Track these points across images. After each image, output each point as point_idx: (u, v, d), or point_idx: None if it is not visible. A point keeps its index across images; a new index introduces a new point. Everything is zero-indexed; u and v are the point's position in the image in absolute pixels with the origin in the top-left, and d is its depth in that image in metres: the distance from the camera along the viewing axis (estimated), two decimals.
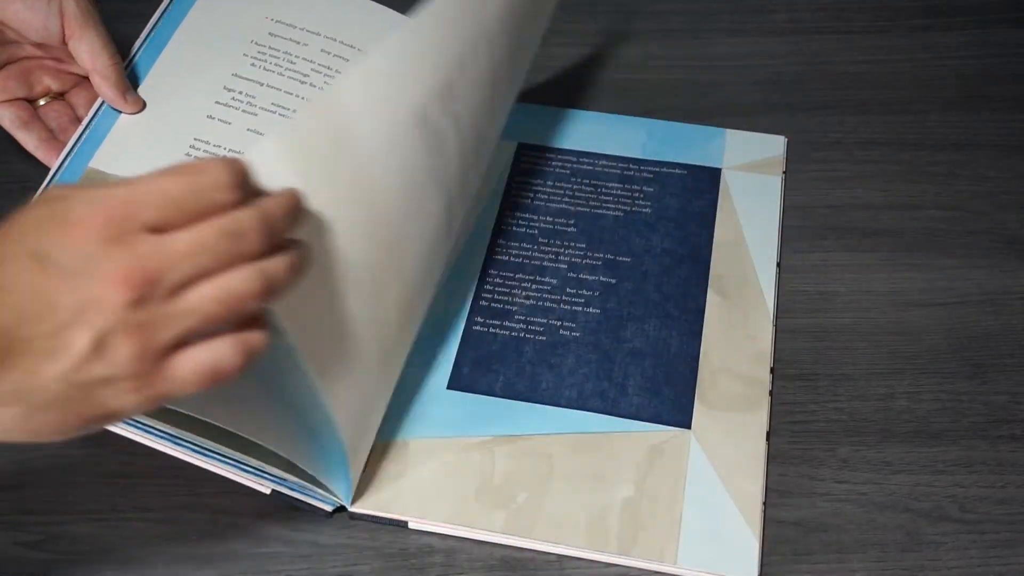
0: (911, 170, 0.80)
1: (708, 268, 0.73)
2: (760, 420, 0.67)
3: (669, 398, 0.67)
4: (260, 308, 0.46)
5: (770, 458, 0.66)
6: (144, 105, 0.71)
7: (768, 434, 0.66)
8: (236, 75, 0.74)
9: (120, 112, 0.70)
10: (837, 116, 0.83)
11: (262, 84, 0.74)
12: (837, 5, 0.90)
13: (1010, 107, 0.83)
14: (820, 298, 0.73)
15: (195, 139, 0.71)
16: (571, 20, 0.90)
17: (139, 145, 0.70)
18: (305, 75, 0.74)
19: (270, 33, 0.76)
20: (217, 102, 0.72)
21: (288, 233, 0.46)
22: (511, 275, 0.73)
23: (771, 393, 0.68)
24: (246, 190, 0.45)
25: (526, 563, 0.62)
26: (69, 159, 0.68)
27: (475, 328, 0.70)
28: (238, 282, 0.44)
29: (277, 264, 0.45)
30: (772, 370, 0.69)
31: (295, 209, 0.47)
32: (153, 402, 0.45)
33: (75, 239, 0.42)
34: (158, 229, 0.43)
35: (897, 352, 0.70)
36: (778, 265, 0.74)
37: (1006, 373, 0.69)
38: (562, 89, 0.84)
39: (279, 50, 0.75)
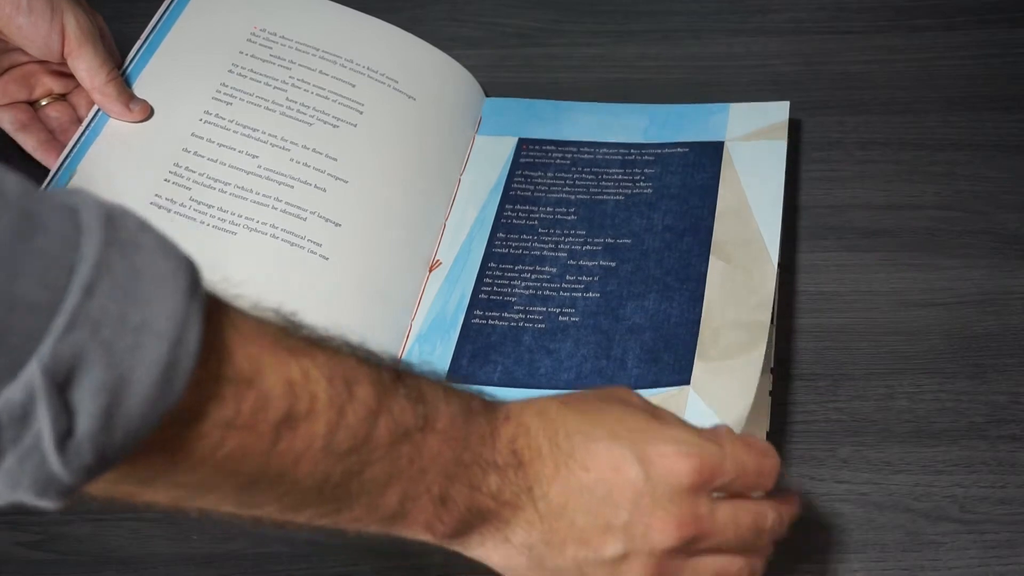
0: (911, 170, 0.80)
1: (710, 237, 0.72)
2: (760, 420, 0.67)
3: (668, 363, 0.67)
4: None
5: None
6: (151, 110, 0.70)
7: (768, 434, 0.66)
8: (223, 84, 0.73)
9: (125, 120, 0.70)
10: (837, 116, 0.83)
11: (250, 94, 0.73)
12: (837, 5, 0.90)
13: (1010, 107, 0.83)
14: (820, 298, 0.73)
15: (191, 136, 0.71)
16: (571, 20, 0.90)
17: (127, 148, 0.70)
18: (289, 85, 0.75)
19: (257, 43, 0.76)
20: (205, 111, 0.72)
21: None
22: (510, 267, 0.73)
23: (771, 393, 0.68)
24: (775, 482, 0.51)
25: None
26: (68, 161, 0.68)
27: (474, 321, 0.70)
28: (733, 569, 0.50)
29: (760, 564, 0.51)
30: (772, 370, 0.69)
31: (789, 520, 0.53)
32: None
33: (663, 469, 0.47)
34: (718, 490, 0.49)
35: (897, 352, 0.70)
36: (778, 265, 0.74)
37: (1006, 373, 0.69)
38: (562, 89, 0.84)
39: (264, 60, 0.75)
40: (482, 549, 0.48)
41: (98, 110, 0.70)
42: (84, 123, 0.70)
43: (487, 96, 0.83)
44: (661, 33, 0.89)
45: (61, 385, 0.33)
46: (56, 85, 0.73)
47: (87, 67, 0.69)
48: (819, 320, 0.72)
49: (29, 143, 0.72)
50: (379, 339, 0.62)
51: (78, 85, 0.73)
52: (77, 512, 0.64)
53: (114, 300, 0.34)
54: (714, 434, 0.50)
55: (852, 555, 0.62)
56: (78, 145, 0.69)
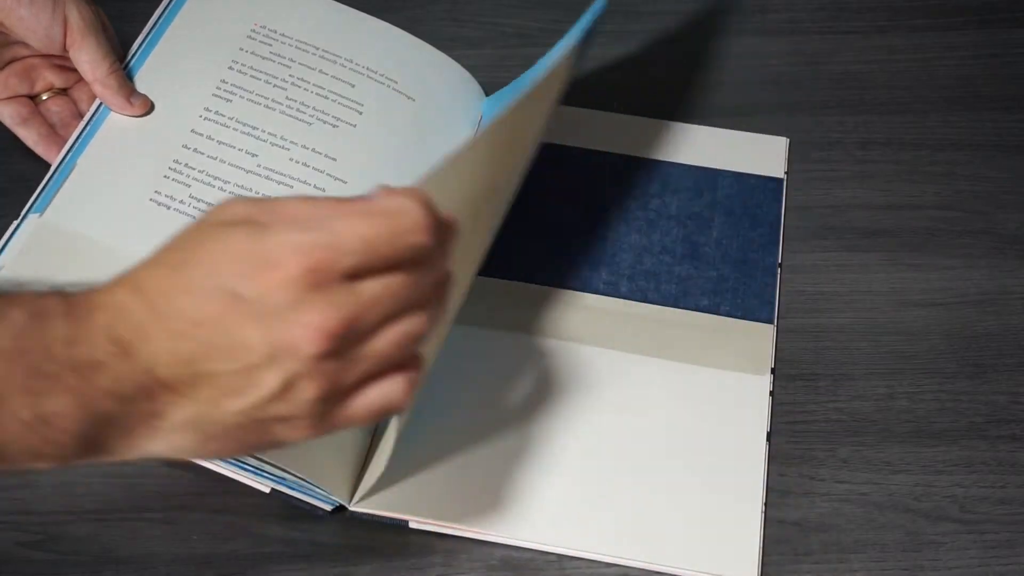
0: (911, 170, 0.80)
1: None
2: (760, 420, 0.67)
3: None
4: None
5: (770, 458, 0.66)
6: (152, 105, 0.70)
7: (768, 434, 0.66)
8: (223, 80, 0.73)
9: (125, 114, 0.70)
10: (837, 116, 0.83)
11: (250, 91, 0.73)
12: (837, 5, 0.90)
13: (1010, 107, 0.83)
14: (820, 298, 0.73)
15: (191, 132, 0.71)
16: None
17: (128, 144, 0.70)
18: (289, 83, 0.75)
19: (257, 40, 0.76)
20: (206, 108, 0.72)
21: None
22: None
23: (771, 393, 0.68)
24: (436, 230, 0.45)
25: (526, 563, 0.62)
26: (68, 155, 0.68)
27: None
28: (414, 326, 0.45)
29: (440, 304, 0.47)
30: (773, 370, 0.69)
31: (456, 244, 0.47)
32: (320, 435, 0.46)
33: (273, 283, 0.42)
34: (353, 275, 0.43)
35: (897, 352, 0.70)
36: (779, 265, 0.74)
37: (1006, 373, 0.69)
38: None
39: (264, 57, 0.75)
40: (138, 449, 0.45)
41: (99, 105, 0.70)
42: (85, 118, 0.70)
43: (487, 96, 0.83)
44: (661, 33, 0.89)
45: None
46: (57, 79, 0.73)
47: (89, 58, 0.69)
48: (819, 320, 0.72)
49: (30, 137, 0.72)
50: None
51: (79, 80, 0.73)
52: (77, 512, 0.64)
53: None
54: (327, 216, 0.44)
55: (852, 555, 0.62)
56: (79, 140, 0.69)
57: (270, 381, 0.43)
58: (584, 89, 0.84)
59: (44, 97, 0.74)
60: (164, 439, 0.45)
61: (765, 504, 0.64)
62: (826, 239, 0.76)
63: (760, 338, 0.70)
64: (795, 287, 0.73)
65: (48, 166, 0.69)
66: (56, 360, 0.42)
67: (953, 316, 0.72)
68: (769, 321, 0.71)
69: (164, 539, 0.63)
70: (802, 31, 0.89)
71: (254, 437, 0.45)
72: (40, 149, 0.72)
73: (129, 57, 0.72)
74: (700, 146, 0.80)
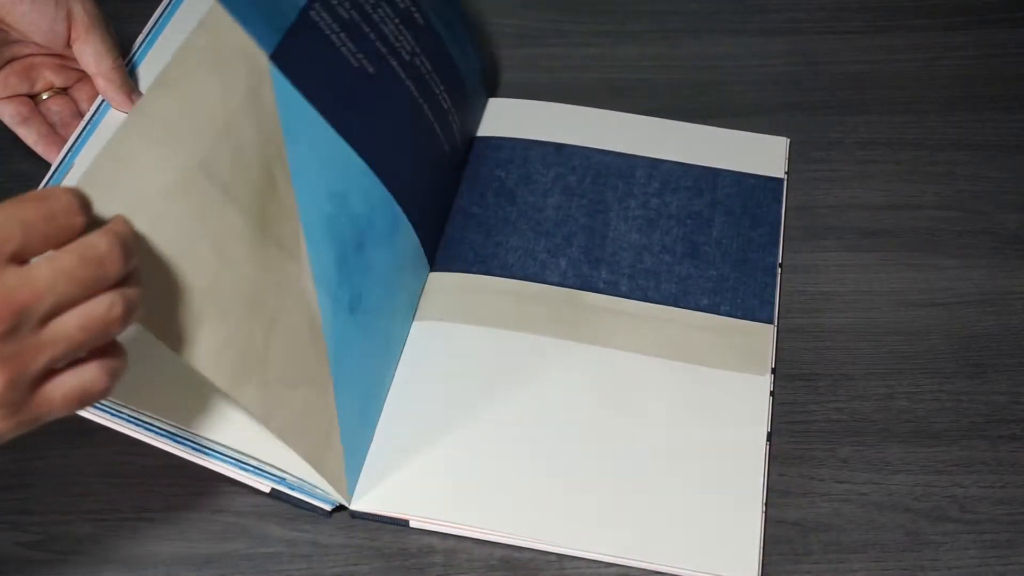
0: (911, 170, 0.80)
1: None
2: (760, 420, 0.67)
3: None
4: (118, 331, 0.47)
5: (770, 458, 0.66)
6: None
7: (768, 434, 0.66)
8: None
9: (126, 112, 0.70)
10: (837, 116, 0.83)
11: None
12: (837, 5, 0.90)
13: (1010, 107, 0.83)
14: (820, 298, 0.73)
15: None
16: (571, 20, 0.90)
17: None
18: None
19: None
20: None
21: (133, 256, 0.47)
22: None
23: (772, 393, 0.68)
24: (90, 214, 0.46)
25: (526, 563, 0.62)
26: (69, 155, 0.68)
27: None
28: (102, 309, 0.45)
29: (134, 289, 0.47)
30: (773, 370, 0.69)
31: (134, 233, 0.48)
32: (26, 426, 0.46)
33: None
34: (19, 258, 0.44)
35: (897, 352, 0.70)
36: (779, 265, 0.74)
37: (1006, 373, 0.69)
38: (562, 89, 0.84)
39: None
40: None
41: (99, 105, 0.70)
42: (86, 117, 0.70)
43: (487, 96, 0.83)
44: (661, 33, 0.89)
45: None
46: (57, 79, 0.73)
47: (94, 52, 0.68)
48: (819, 320, 0.72)
49: (30, 137, 0.72)
50: None
51: (79, 79, 0.73)
52: (77, 512, 0.64)
53: None
54: None
55: (852, 555, 0.62)
56: (79, 140, 0.69)
57: None
58: (584, 88, 0.84)
59: (44, 96, 0.73)
60: None
61: (765, 504, 0.64)
62: (826, 239, 0.76)
63: (760, 338, 0.70)
64: (795, 287, 0.74)
65: (48, 165, 0.69)
66: None
67: (953, 316, 0.72)
68: (769, 321, 0.71)
69: (164, 539, 0.63)
70: (802, 31, 0.89)
71: None
72: (40, 148, 0.72)
73: (129, 57, 0.72)
74: (700, 145, 0.80)
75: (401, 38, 0.68)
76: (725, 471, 0.65)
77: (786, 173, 0.79)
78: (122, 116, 0.69)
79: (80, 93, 0.74)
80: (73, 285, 0.45)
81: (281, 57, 0.60)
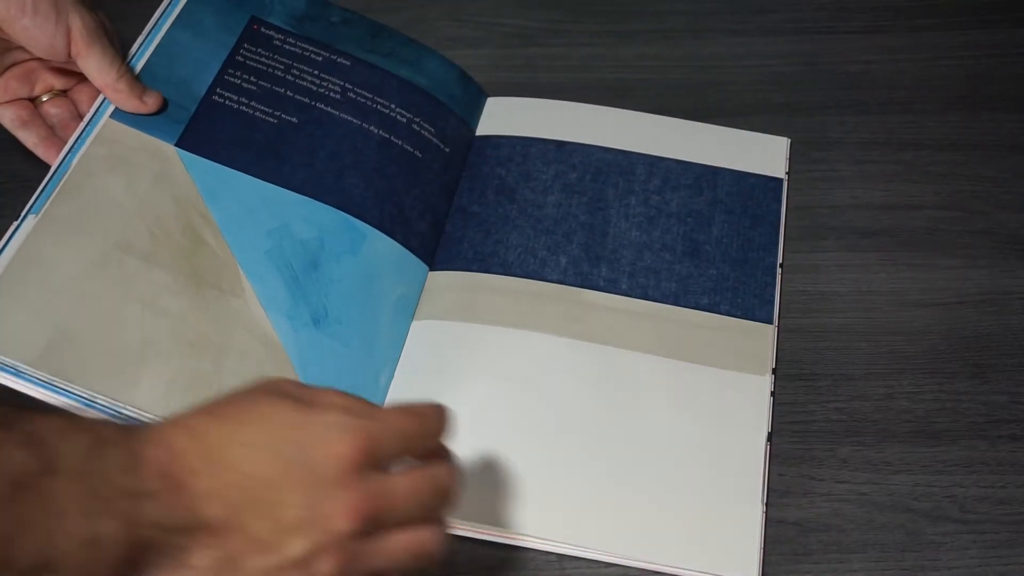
0: (911, 170, 0.80)
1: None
2: (760, 420, 0.67)
3: None
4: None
5: (770, 458, 0.66)
6: (164, 100, 0.70)
7: (768, 434, 0.66)
8: (229, 72, 0.74)
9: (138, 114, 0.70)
10: (837, 116, 0.83)
11: (253, 81, 0.74)
12: (837, 5, 0.90)
13: (1010, 107, 0.83)
14: (820, 298, 0.73)
15: None
16: (571, 20, 0.90)
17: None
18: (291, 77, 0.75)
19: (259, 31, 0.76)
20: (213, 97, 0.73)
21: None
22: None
23: (772, 393, 0.68)
24: (446, 440, 0.51)
25: (526, 563, 0.62)
26: (68, 156, 0.68)
27: None
28: (429, 541, 0.49)
29: (444, 527, 0.51)
30: (773, 370, 0.69)
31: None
32: None
33: (326, 457, 0.46)
34: (386, 465, 0.48)
35: (897, 352, 0.70)
36: (779, 265, 0.74)
37: (1006, 373, 0.69)
38: (562, 89, 0.84)
39: (263, 55, 0.75)
40: None
41: (98, 106, 0.70)
42: (85, 119, 0.70)
43: (487, 96, 0.83)
44: (661, 33, 0.89)
45: None
46: (57, 81, 0.73)
47: (97, 66, 0.69)
48: (819, 320, 0.72)
49: (30, 140, 0.72)
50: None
51: (79, 81, 0.73)
52: None
53: None
54: (371, 408, 0.49)
55: (852, 555, 0.62)
56: (78, 141, 0.69)
57: (297, 547, 0.46)
58: (584, 88, 0.84)
59: (44, 99, 0.73)
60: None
61: (765, 504, 0.64)
62: (826, 239, 0.76)
63: (760, 338, 0.70)
64: (795, 287, 0.74)
65: (48, 167, 0.69)
66: (112, 485, 0.44)
67: (953, 316, 0.72)
68: (768, 321, 0.71)
69: None
70: (802, 31, 0.89)
71: None
72: (40, 151, 0.72)
73: (129, 57, 0.72)
74: (701, 143, 0.80)
75: (326, 83, 0.76)
76: (725, 471, 0.65)
77: (787, 173, 0.79)
78: (117, 125, 0.69)
79: (80, 95, 0.74)
80: (419, 509, 0.49)
81: (187, 141, 0.70)
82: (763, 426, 0.66)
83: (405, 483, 0.48)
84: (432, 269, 0.73)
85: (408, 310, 0.71)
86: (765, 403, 0.67)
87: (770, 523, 0.63)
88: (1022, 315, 0.72)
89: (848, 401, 0.68)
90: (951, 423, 0.67)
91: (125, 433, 0.45)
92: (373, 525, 0.47)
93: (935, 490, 0.65)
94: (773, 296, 0.72)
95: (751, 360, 0.69)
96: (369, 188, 0.73)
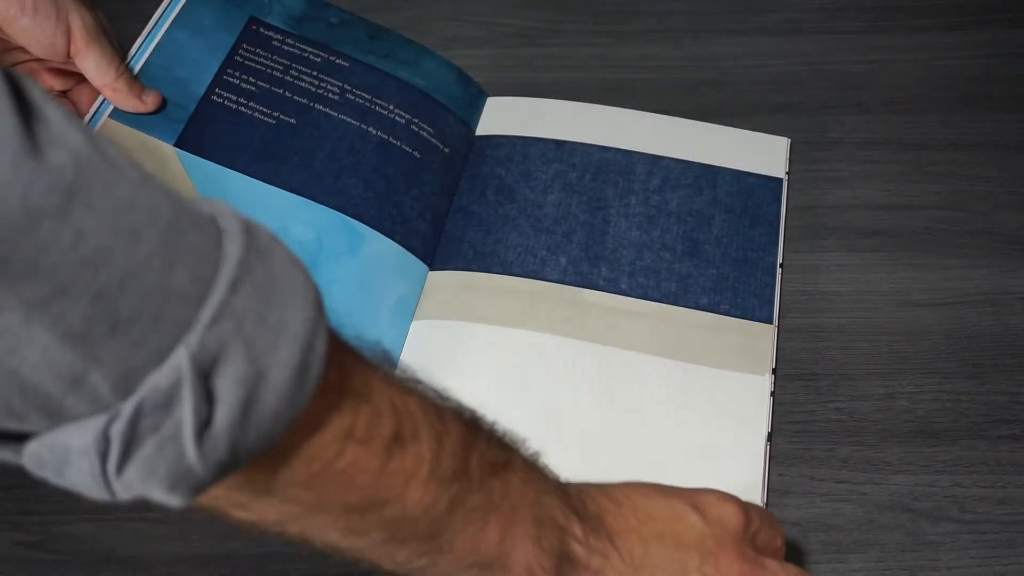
0: (911, 170, 0.80)
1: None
2: (760, 420, 0.67)
3: None
4: None
5: (770, 458, 0.66)
6: (163, 99, 0.71)
7: (768, 434, 0.66)
8: (228, 72, 0.74)
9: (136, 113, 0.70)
10: (837, 116, 0.83)
11: (252, 81, 0.74)
12: (837, 5, 0.90)
13: (1010, 107, 0.83)
14: (820, 298, 0.73)
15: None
16: (571, 20, 0.90)
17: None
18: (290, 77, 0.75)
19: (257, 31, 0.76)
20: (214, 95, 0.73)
21: None
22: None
23: (772, 393, 0.68)
24: None
25: None
26: None
27: None
28: None
29: None
30: (773, 370, 0.69)
31: None
32: None
33: (717, 514, 0.53)
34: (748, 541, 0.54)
35: (897, 352, 0.70)
36: (780, 265, 0.74)
37: (1006, 373, 0.69)
38: (562, 89, 0.84)
39: (261, 54, 0.75)
40: None
41: (99, 107, 0.70)
42: (85, 120, 0.70)
43: (487, 96, 0.83)
44: (661, 33, 0.89)
45: (205, 374, 0.34)
46: (57, 83, 0.73)
47: (96, 66, 0.69)
48: (819, 320, 0.72)
49: None
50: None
51: (79, 82, 0.73)
52: (77, 512, 0.64)
53: (255, 299, 0.35)
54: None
55: (852, 555, 0.62)
56: None
57: None
58: (584, 88, 0.84)
59: None
60: None
61: (765, 504, 0.64)
62: (826, 239, 0.76)
63: (760, 338, 0.70)
64: (795, 287, 0.73)
65: None
66: (552, 496, 0.49)
67: (953, 316, 0.72)
68: (768, 321, 0.71)
69: (164, 539, 0.63)
70: (802, 31, 0.89)
71: None
72: None
73: (129, 57, 0.72)
74: (701, 143, 0.80)
75: (324, 84, 0.75)
76: (725, 471, 0.65)
77: (787, 173, 0.79)
78: (116, 124, 0.69)
79: (80, 96, 0.74)
80: None
81: (186, 141, 0.70)
82: (763, 426, 0.66)
83: (777, 564, 0.54)
84: (432, 269, 0.73)
85: (408, 310, 0.71)
86: (765, 403, 0.67)
87: None
88: (1022, 315, 0.72)
89: (848, 401, 0.68)
90: (951, 423, 0.67)
91: (567, 502, 0.50)
92: None
93: (935, 490, 0.65)
94: (773, 296, 0.72)
95: (751, 360, 0.69)
96: (368, 189, 0.73)
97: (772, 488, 0.65)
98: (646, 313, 0.71)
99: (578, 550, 0.48)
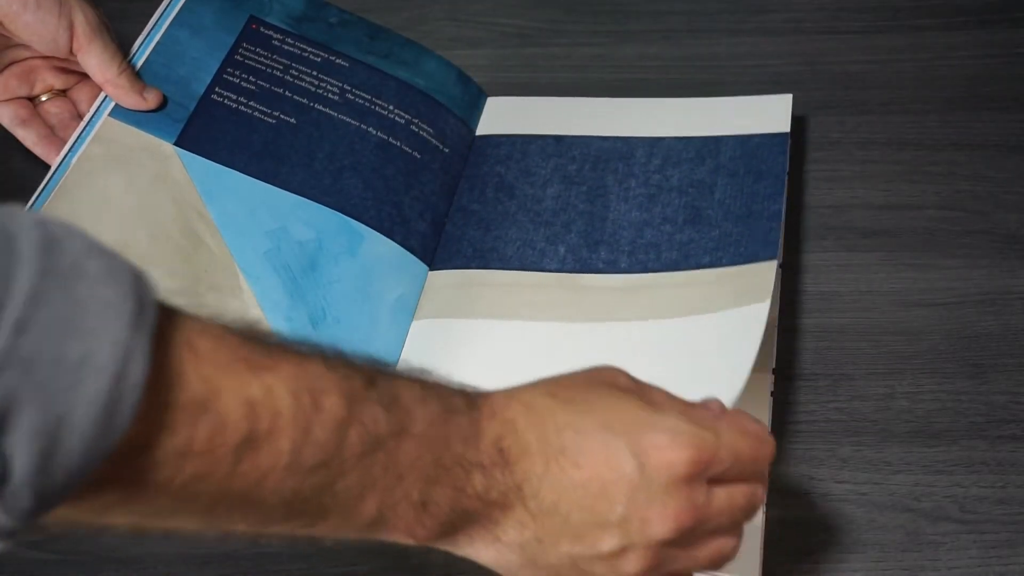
0: (911, 170, 0.80)
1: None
2: (761, 420, 0.67)
3: None
4: None
5: None
6: (164, 97, 0.70)
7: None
8: (228, 71, 0.74)
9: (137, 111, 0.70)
10: (837, 116, 0.83)
11: (252, 80, 0.74)
12: (837, 5, 0.90)
13: (1010, 107, 0.83)
14: (820, 298, 0.73)
15: None
16: (571, 20, 0.90)
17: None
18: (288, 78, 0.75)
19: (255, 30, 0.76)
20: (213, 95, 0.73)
21: None
22: None
23: (772, 393, 0.68)
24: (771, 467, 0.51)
25: None
26: (68, 156, 0.68)
27: None
28: (728, 548, 0.49)
29: (738, 540, 0.50)
30: (773, 371, 0.69)
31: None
32: None
33: (657, 461, 0.46)
34: (711, 480, 0.47)
35: (897, 352, 0.70)
36: (780, 265, 0.74)
37: (1006, 373, 0.69)
38: (562, 89, 0.84)
39: (261, 53, 0.75)
40: (471, 548, 0.47)
41: (99, 106, 0.70)
42: (85, 119, 0.69)
43: (487, 96, 0.83)
44: (661, 33, 0.89)
45: None
46: (56, 81, 0.73)
47: (98, 61, 0.69)
48: (819, 320, 0.72)
49: (29, 138, 0.72)
50: None
51: (79, 81, 0.73)
52: None
53: (50, 336, 0.32)
54: (709, 418, 0.48)
55: (852, 555, 0.62)
56: (78, 141, 0.69)
57: (610, 542, 0.46)
58: (584, 88, 0.84)
59: (43, 99, 0.73)
60: (495, 551, 0.47)
61: (765, 504, 0.64)
62: (826, 239, 0.76)
63: (763, 273, 0.67)
64: (795, 287, 0.73)
65: (47, 168, 0.69)
66: (452, 453, 0.44)
67: (953, 316, 0.72)
68: (772, 257, 0.68)
69: (164, 539, 0.63)
70: (802, 31, 0.89)
71: None
72: (39, 150, 0.72)
73: (129, 56, 0.72)
74: (701, 117, 0.78)
75: (324, 84, 0.75)
76: None
77: (790, 133, 0.76)
78: (116, 123, 0.69)
79: (79, 95, 0.74)
80: (728, 525, 0.49)
81: (186, 140, 0.70)
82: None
83: (724, 499, 0.48)
84: (432, 269, 0.73)
85: (408, 310, 0.71)
86: (765, 403, 0.67)
87: (770, 523, 0.63)
88: (1022, 315, 0.72)
89: (848, 401, 0.68)
90: (951, 423, 0.67)
91: (470, 402, 0.46)
92: (687, 535, 0.47)
93: (935, 490, 0.65)
94: (777, 237, 0.69)
95: (753, 294, 0.66)
96: (367, 189, 0.73)
97: (772, 488, 0.65)
98: (647, 284, 0.70)
99: (474, 504, 0.45)
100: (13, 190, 0.75)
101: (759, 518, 0.63)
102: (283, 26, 0.77)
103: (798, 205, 0.78)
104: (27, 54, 0.71)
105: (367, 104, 0.76)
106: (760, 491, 0.50)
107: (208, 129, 0.70)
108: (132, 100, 0.69)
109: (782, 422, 0.67)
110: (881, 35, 0.88)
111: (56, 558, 0.62)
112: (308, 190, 0.71)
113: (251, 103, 0.73)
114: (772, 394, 0.68)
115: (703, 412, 0.49)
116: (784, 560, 0.62)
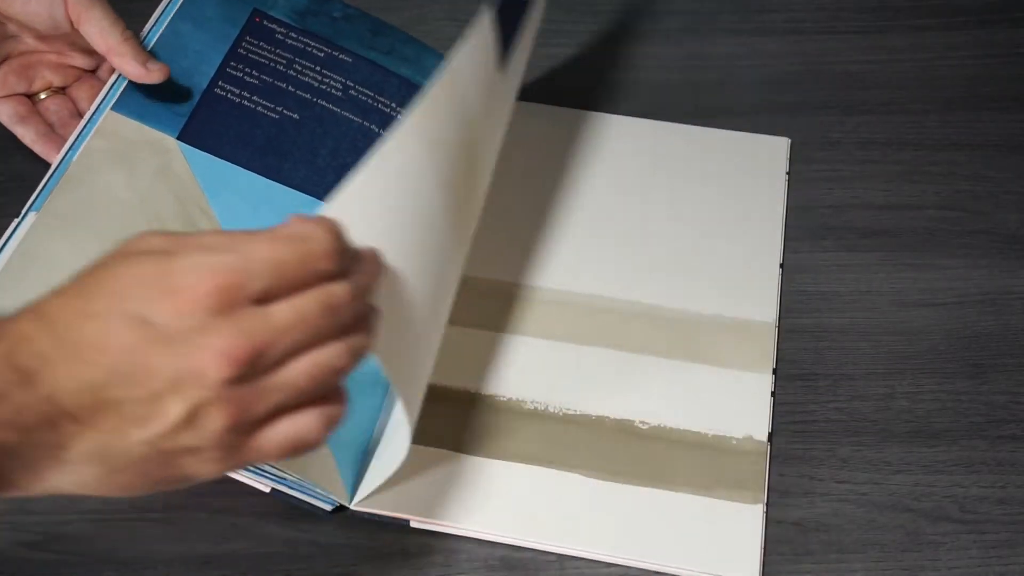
0: (911, 170, 0.80)
1: None
2: (761, 420, 0.67)
3: None
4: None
5: (770, 458, 0.66)
6: (168, 71, 0.70)
7: (769, 434, 0.66)
8: (231, 65, 0.74)
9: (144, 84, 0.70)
10: (837, 116, 0.83)
11: (255, 75, 0.74)
12: (837, 5, 0.90)
13: (1010, 107, 0.83)
14: (820, 298, 0.73)
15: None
16: (571, 20, 0.90)
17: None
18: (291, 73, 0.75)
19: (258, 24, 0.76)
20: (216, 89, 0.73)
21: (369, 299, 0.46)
22: None
23: (772, 393, 0.68)
24: (344, 257, 0.45)
25: (526, 563, 0.62)
26: (69, 154, 0.68)
27: None
28: (329, 357, 0.44)
29: (361, 338, 0.45)
30: (773, 371, 0.69)
31: (378, 276, 0.47)
32: (232, 469, 0.45)
33: (180, 307, 0.41)
34: (261, 298, 0.43)
35: (897, 352, 0.70)
36: (780, 265, 0.74)
37: (1006, 373, 0.69)
38: (561, 89, 0.84)
39: (263, 51, 0.75)
40: (45, 483, 0.44)
41: (101, 100, 0.70)
42: (87, 115, 0.69)
43: None
44: (661, 33, 0.89)
45: None
46: (56, 78, 0.73)
47: (98, 29, 0.67)
48: (819, 320, 0.72)
49: (28, 136, 0.72)
50: None
51: (78, 78, 0.73)
52: (77, 512, 0.64)
53: None
54: (240, 239, 0.43)
55: (852, 555, 0.62)
56: (78, 139, 0.68)
57: (175, 409, 0.42)
58: (584, 88, 0.84)
59: (42, 96, 0.73)
60: (70, 472, 0.43)
61: (765, 504, 0.64)
62: (826, 239, 0.76)
63: (761, 337, 0.70)
64: (795, 287, 0.74)
65: (48, 167, 0.69)
66: None
67: (953, 316, 0.72)
68: (769, 320, 0.71)
69: (164, 539, 0.63)
70: (802, 31, 0.89)
71: (161, 470, 0.44)
72: (38, 148, 0.72)
73: None
74: (700, 148, 0.80)
75: (328, 80, 0.75)
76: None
77: (787, 174, 0.79)
78: (119, 117, 0.69)
79: (78, 92, 0.74)
80: (309, 332, 0.43)
81: (189, 134, 0.70)
82: (763, 426, 0.66)
83: (285, 311, 0.43)
84: None
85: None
86: (766, 403, 0.67)
87: (770, 523, 0.63)
88: (1022, 315, 0.72)
89: (848, 401, 0.68)
90: (951, 423, 0.67)
91: None
92: (254, 365, 0.42)
93: (935, 490, 0.65)
94: (773, 296, 0.72)
95: (752, 359, 0.69)
96: None
97: (772, 488, 0.65)
98: (646, 314, 0.71)
99: (10, 436, 0.42)
100: (14, 188, 0.75)
101: (757, 509, 0.63)
102: (287, 20, 0.77)
103: (798, 205, 0.78)
104: (23, 48, 0.71)
105: (370, 101, 0.76)
106: (338, 289, 0.44)
107: (211, 124, 0.70)
108: (135, 70, 0.68)
109: (782, 422, 0.67)
110: (881, 35, 0.88)
111: (56, 558, 0.62)
112: (310, 186, 0.71)
113: (254, 97, 0.73)
114: (772, 394, 0.68)
115: (235, 236, 0.44)
116: (784, 560, 0.62)
